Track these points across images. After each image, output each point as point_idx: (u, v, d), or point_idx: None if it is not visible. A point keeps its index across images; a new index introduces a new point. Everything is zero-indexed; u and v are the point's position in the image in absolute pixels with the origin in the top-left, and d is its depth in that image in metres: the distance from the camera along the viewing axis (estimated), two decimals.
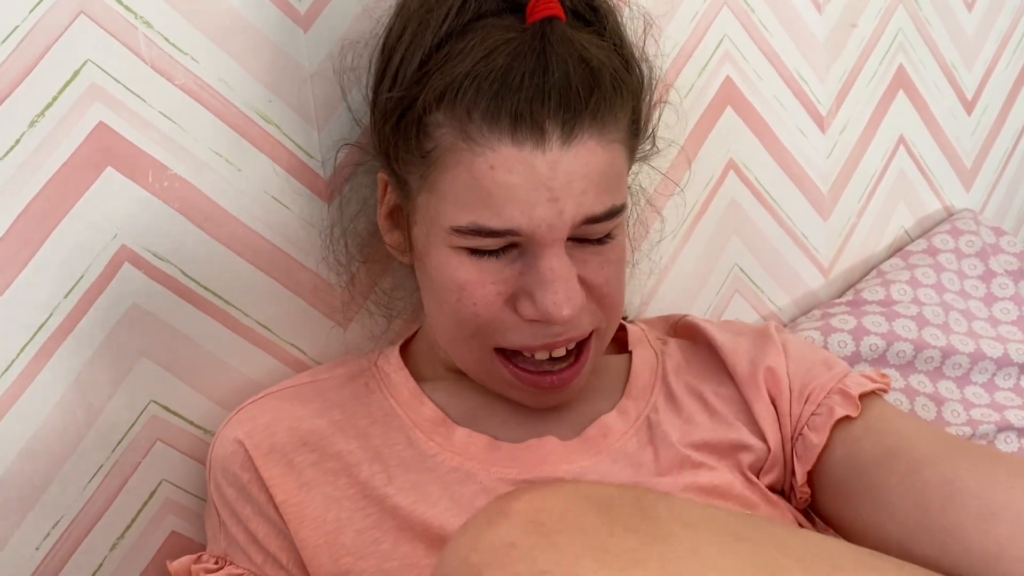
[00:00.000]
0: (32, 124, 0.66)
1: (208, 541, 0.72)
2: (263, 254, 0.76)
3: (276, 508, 0.67)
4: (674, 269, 0.97)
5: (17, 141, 0.65)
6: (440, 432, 0.69)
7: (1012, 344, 1.01)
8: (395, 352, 0.75)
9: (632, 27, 0.70)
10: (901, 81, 1.11)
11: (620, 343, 0.78)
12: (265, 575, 0.68)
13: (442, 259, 0.64)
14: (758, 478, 0.69)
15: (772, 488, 0.70)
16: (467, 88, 0.60)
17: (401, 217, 0.70)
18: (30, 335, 0.68)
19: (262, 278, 0.76)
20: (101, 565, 0.74)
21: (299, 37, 0.75)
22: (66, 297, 0.69)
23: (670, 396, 0.73)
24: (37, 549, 0.71)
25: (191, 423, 0.75)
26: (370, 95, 0.70)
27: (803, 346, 0.75)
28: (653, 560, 0.44)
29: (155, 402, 0.74)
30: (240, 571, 0.68)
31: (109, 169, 0.69)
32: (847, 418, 0.68)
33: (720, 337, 0.75)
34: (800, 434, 0.69)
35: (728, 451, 0.69)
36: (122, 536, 0.74)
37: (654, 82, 0.71)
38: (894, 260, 1.10)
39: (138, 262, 0.71)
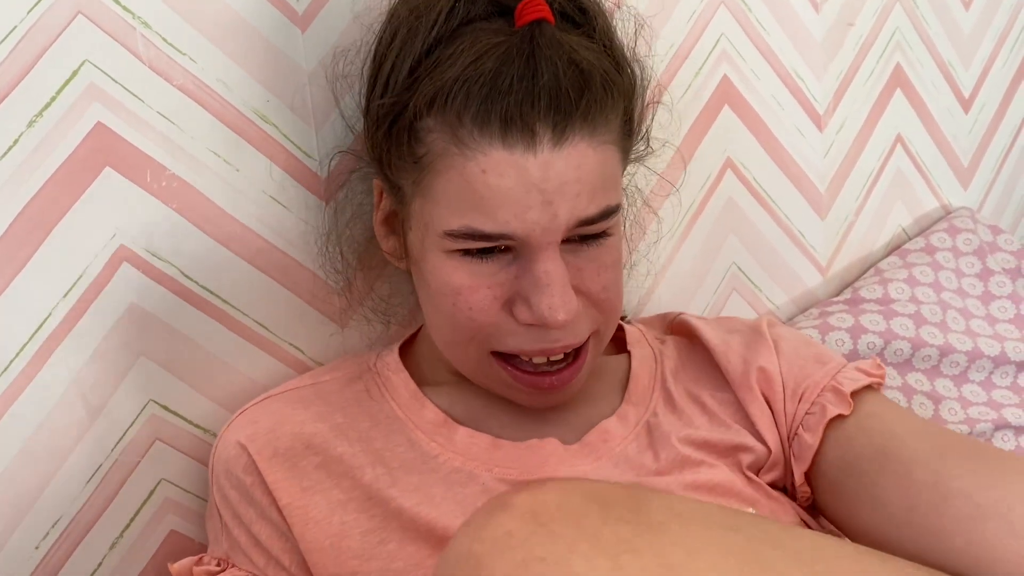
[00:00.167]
0: (30, 124, 0.66)
1: (209, 543, 0.72)
2: (261, 253, 0.76)
3: (280, 511, 0.67)
4: (672, 268, 0.97)
5: (15, 141, 0.65)
6: (442, 433, 0.69)
7: (1009, 342, 1.01)
8: (394, 354, 0.75)
9: (623, 28, 0.70)
10: (898, 80, 1.11)
11: (618, 343, 0.78)
12: None
13: (437, 264, 0.64)
14: (758, 476, 0.70)
15: (774, 486, 0.70)
16: (457, 93, 0.60)
17: (396, 223, 0.70)
18: (29, 335, 0.68)
19: (260, 277, 0.76)
20: (100, 564, 0.74)
21: (297, 37, 0.75)
22: (65, 297, 0.69)
23: (669, 400, 0.73)
24: (36, 548, 0.71)
25: (190, 422, 0.76)
26: (362, 102, 0.70)
27: (796, 342, 0.75)
28: (645, 548, 0.45)
29: (154, 401, 0.74)
30: (242, 573, 0.68)
31: (107, 169, 0.69)
32: (840, 416, 0.68)
33: (713, 339, 0.75)
34: (796, 434, 0.70)
35: (727, 451, 0.69)
36: (121, 535, 0.74)
37: (646, 83, 0.71)
38: (892, 258, 1.11)
39: (137, 262, 0.71)
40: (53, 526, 0.71)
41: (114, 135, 0.69)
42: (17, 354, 0.68)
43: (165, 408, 0.74)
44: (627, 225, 0.82)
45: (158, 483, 0.75)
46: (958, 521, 0.59)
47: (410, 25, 0.64)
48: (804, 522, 0.68)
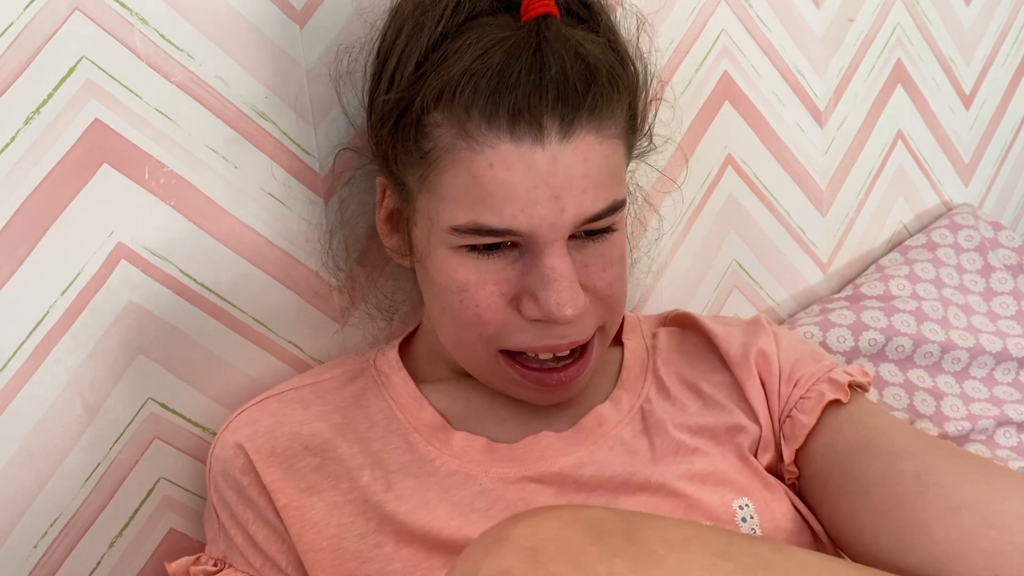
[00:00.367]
0: (27, 121, 0.66)
1: (207, 543, 0.72)
2: (260, 251, 0.76)
3: (277, 512, 0.67)
4: (672, 265, 0.97)
5: (12, 138, 0.65)
6: (439, 437, 0.70)
7: (1011, 339, 1.01)
8: (394, 351, 0.75)
9: (625, 26, 0.70)
10: (899, 76, 1.10)
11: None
12: None
13: (443, 260, 0.64)
14: (757, 459, 0.70)
15: (769, 470, 0.70)
16: (464, 86, 0.60)
17: (400, 220, 0.70)
18: (27, 333, 0.68)
19: (259, 275, 0.76)
20: (99, 563, 0.74)
21: (295, 33, 0.75)
22: (63, 295, 0.69)
23: (661, 386, 0.73)
24: (35, 547, 0.71)
25: (189, 420, 0.75)
26: (366, 99, 0.70)
27: (793, 338, 0.76)
28: None
29: (153, 400, 0.74)
30: (239, 574, 0.68)
31: (105, 166, 0.69)
32: (836, 403, 0.68)
33: (713, 326, 0.76)
34: (788, 416, 0.70)
35: (724, 435, 0.70)
36: (120, 534, 0.74)
37: (649, 79, 0.72)
38: (893, 255, 1.10)
39: (135, 259, 0.71)
40: (52, 525, 0.71)
41: (112, 132, 0.68)
42: (15, 352, 0.67)
43: (164, 406, 0.74)
44: (628, 222, 0.82)
45: (157, 481, 0.75)
46: (940, 512, 0.59)
47: (415, 20, 0.64)
48: (797, 510, 0.68)
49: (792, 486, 0.71)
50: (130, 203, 0.70)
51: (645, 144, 0.73)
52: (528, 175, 0.60)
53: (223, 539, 0.69)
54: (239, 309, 0.76)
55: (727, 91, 0.97)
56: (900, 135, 1.12)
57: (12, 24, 0.64)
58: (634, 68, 0.69)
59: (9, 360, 0.67)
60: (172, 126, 0.71)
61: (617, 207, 0.64)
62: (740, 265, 1.01)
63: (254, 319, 0.77)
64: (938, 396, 0.96)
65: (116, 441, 0.72)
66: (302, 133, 0.76)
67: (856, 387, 0.71)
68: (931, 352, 0.98)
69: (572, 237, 0.63)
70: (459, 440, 0.69)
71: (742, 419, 0.70)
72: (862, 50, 1.07)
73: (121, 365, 0.72)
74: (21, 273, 0.67)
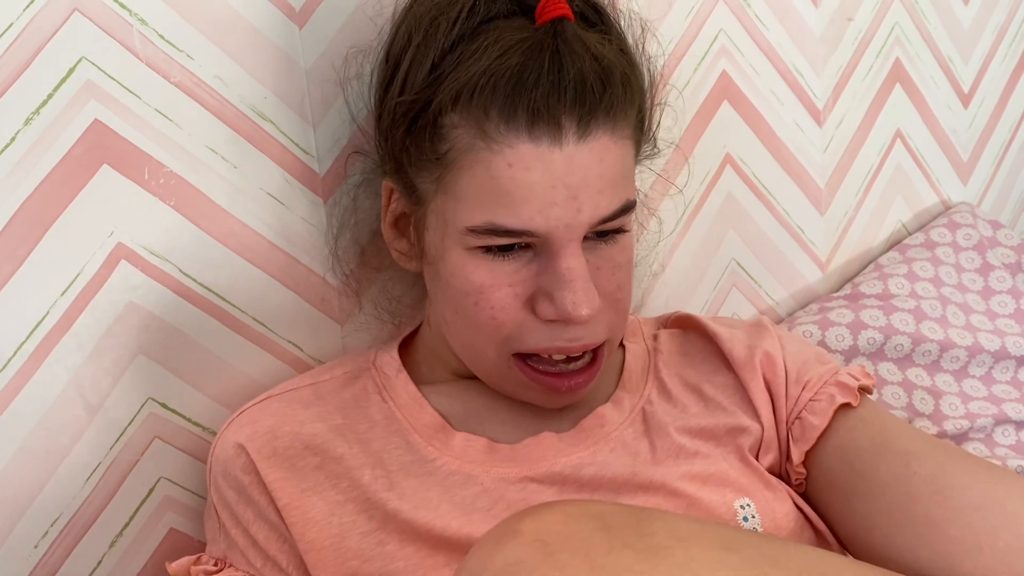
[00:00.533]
0: (27, 122, 0.66)
1: (208, 543, 0.72)
2: (260, 251, 0.76)
3: (278, 512, 0.67)
4: (671, 264, 0.97)
5: (12, 139, 0.65)
6: (439, 438, 0.70)
7: (1010, 337, 1.01)
8: (394, 352, 0.75)
9: (630, 32, 0.71)
10: (898, 75, 1.11)
11: None
12: None
13: (458, 262, 0.64)
14: (758, 459, 0.70)
15: (771, 471, 0.71)
16: (483, 87, 0.61)
17: (407, 224, 0.70)
18: (27, 333, 0.68)
19: (259, 275, 0.76)
20: (100, 562, 0.74)
21: (294, 34, 0.75)
22: (63, 295, 0.69)
23: (663, 388, 0.73)
24: (35, 547, 0.71)
25: (189, 420, 0.75)
26: (374, 104, 0.70)
27: (797, 340, 0.76)
28: (647, 574, 0.46)
29: (153, 399, 0.74)
30: (239, 574, 0.68)
31: (105, 167, 0.69)
32: (847, 406, 0.69)
33: (716, 328, 0.76)
34: (798, 417, 0.70)
35: (725, 436, 0.70)
36: (121, 533, 0.74)
37: (655, 84, 0.72)
38: (891, 254, 1.11)
39: (135, 259, 0.71)
40: (52, 524, 0.71)
41: (111, 132, 0.68)
42: (15, 352, 0.68)
43: (164, 406, 0.74)
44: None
45: (157, 481, 0.75)
46: (957, 511, 0.59)
47: (428, 24, 0.64)
48: (800, 509, 0.68)
49: (799, 486, 0.71)
50: (130, 203, 0.70)
51: (650, 148, 0.74)
52: (546, 175, 0.60)
53: (224, 539, 0.69)
54: (239, 309, 0.76)
55: (726, 90, 0.97)
56: (899, 134, 1.12)
57: (12, 24, 0.64)
58: (641, 71, 0.69)
59: (9, 360, 0.67)
60: (172, 126, 0.71)
61: (629, 207, 0.65)
62: (739, 264, 1.02)
63: (254, 319, 0.77)
64: (937, 395, 0.96)
65: (116, 441, 0.73)
66: (301, 133, 0.76)
67: (862, 390, 0.71)
68: (930, 351, 0.98)
69: (584, 239, 0.64)
70: (460, 441, 0.69)
71: (744, 420, 0.70)
72: (860, 49, 1.07)
73: (121, 365, 0.72)
74: (21, 273, 0.67)
